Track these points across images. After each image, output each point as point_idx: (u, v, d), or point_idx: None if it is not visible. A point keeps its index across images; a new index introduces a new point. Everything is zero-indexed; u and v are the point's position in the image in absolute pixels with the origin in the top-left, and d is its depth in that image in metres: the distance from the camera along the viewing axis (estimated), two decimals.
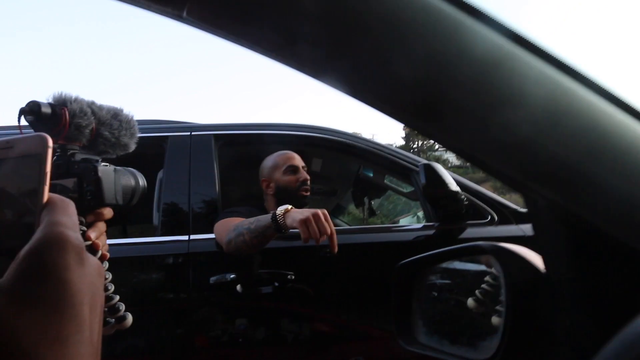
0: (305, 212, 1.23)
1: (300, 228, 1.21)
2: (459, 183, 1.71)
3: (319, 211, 1.23)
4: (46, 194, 0.31)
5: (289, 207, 1.30)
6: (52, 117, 0.61)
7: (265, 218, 1.32)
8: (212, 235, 1.56)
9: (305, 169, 1.78)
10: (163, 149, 1.78)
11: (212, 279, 1.50)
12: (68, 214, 0.30)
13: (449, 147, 0.38)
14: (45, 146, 0.32)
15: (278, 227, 1.28)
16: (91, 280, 0.28)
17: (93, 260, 0.30)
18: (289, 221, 1.26)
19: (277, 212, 1.29)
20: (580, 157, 0.34)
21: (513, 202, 1.87)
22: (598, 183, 0.34)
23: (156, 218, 1.72)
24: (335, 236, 1.24)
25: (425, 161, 1.66)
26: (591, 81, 0.37)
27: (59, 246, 0.27)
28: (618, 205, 0.34)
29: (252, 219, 1.38)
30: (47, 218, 0.29)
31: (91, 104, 0.66)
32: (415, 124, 0.37)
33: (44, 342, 0.24)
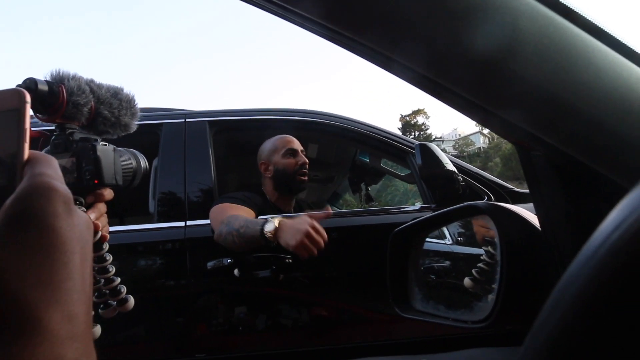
0: (297, 235, 1.20)
1: (298, 252, 1.21)
2: (455, 165, 1.71)
3: (308, 227, 1.21)
4: (26, 151, 0.30)
5: (276, 222, 1.27)
6: (49, 95, 0.59)
7: (254, 228, 1.30)
8: (208, 221, 1.56)
9: (304, 152, 1.78)
10: (158, 136, 1.77)
11: (210, 264, 1.50)
12: (52, 167, 0.29)
13: (462, 105, 0.38)
14: (23, 101, 0.30)
15: (267, 242, 1.27)
16: (81, 231, 0.27)
17: (82, 213, 0.29)
18: (282, 242, 1.24)
19: (265, 229, 1.27)
20: (577, 97, 0.33)
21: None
22: (596, 124, 0.34)
23: (152, 205, 1.71)
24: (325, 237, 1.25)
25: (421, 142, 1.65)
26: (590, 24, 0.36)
27: (46, 194, 0.26)
28: (615, 145, 0.34)
29: (242, 221, 1.36)
30: (31, 171, 0.28)
31: (90, 82, 0.64)
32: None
33: (36, 286, 0.23)
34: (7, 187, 0.28)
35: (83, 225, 0.28)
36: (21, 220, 0.25)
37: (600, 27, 0.36)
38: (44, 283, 0.24)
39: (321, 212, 1.30)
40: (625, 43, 0.37)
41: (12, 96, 0.31)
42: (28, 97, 0.31)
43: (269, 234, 1.26)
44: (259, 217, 1.54)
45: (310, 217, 1.28)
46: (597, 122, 0.34)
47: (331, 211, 1.30)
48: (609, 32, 0.37)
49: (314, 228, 1.22)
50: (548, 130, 0.36)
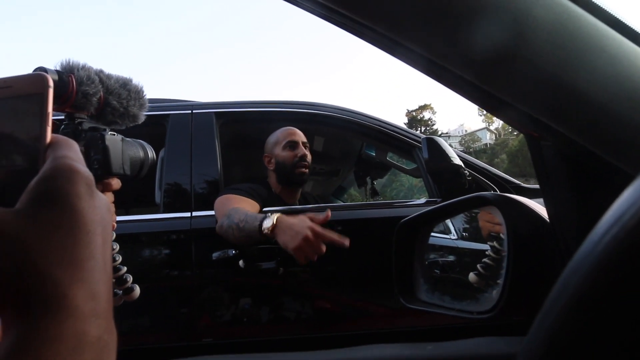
0: (296, 238, 1.15)
1: (297, 256, 1.17)
2: (461, 159, 1.70)
3: (308, 231, 1.15)
4: (49, 135, 0.30)
5: (275, 218, 1.24)
6: (59, 85, 0.60)
7: (252, 223, 1.28)
8: (214, 212, 1.56)
9: (307, 145, 1.77)
10: (164, 127, 1.78)
11: (215, 255, 1.50)
12: (74, 150, 0.29)
13: (473, 93, 0.38)
14: (46, 86, 0.31)
15: (265, 239, 1.26)
16: (102, 213, 0.28)
17: (102, 195, 0.29)
18: (280, 242, 1.20)
19: (263, 225, 1.24)
20: (590, 85, 0.33)
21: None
22: (608, 112, 0.33)
23: (158, 196, 1.72)
24: (336, 239, 1.17)
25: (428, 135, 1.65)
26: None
27: (68, 176, 0.27)
28: (628, 134, 0.34)
29: (242, 215, 1.35)
30: (53, 154, 0.28)
31: (99, 72, 0.65)
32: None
33: (60, 264, 0.24)
34: (30, 170, 0.29)
35: (104, 208, 0.29)
36: (44, 200, 0.25)
37: (613, 15, 0.36)
38: (68, 261, 0.24)
39: (321, 215, 1.22)
40: (638, 31, 0.37)
41: (36, 81, 0.31)
42: (51, 82, 0.31)
43: (266, 231, 1.23)
44: (261, 211, 1.54)
45: (310, 218, 1.21)
46: (610, 111, 0.34)
47: (330, 214, 1.22)
48: (623, 20, 0.36)
49: (314, 232, 1.15)
50: (560, 119, 0.35)
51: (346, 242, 1.15)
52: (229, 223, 1.37)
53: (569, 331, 0.24)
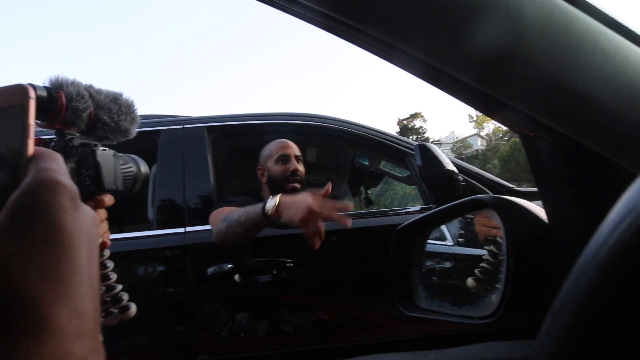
0: (301, 209, 1.15)
1: (304, 229, 1.17)
2: (454, 164, 1.71)
3: (311, 201, 1.14)
4: (31, 147, 0.29)
5: (277, 199, 1.25)
6: (49, 101, 0.59)
7: (254, 211, 1.29)
8: (208, 227, 1.55)
9: (300, 158, 1.76)
10: (156, 143, 1.77)
11: (210, 270, 1.49)
12: (57, 162, 0.28)
13: (468, 95, 0.38)
14: (27, 97, 0.30)
15: (269, 220, 1.25)
16: (87, 227, 0.27)
17: (88, 208, 0.28)
18: (286, 217, 1.20)
19: (266, 207, 1.25)
20: (584, 82, 0.33)
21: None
22: (603, 108, 0.33)
23: (151, 213, 1.70)
24: (337, 215, 1.16)
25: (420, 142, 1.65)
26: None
27: (51, 188, 0.26)
28: (624, 130, 0.33)
29: (241, 211, 1.35)
30: (36, 166, 0.27)
31: (89, 88, 0.64)
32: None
33: (43, 282, 0.23)
34: (11, 184, 0.28)
35: (90, 221, 0.28)
36: (26, 214, 0.24)
37: (603, 12, 0.36)
38: (51, 278, 0.23)
39: (321, 190, 1.21)
40: (630, 27, 0.37)
41: (16, 92, 0.30)
42: (32, 93, 0.30)
43: (270, 211, 1.23)
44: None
45: (311, 193, 1.21)
46: (606, 107, 0.33)
47: (330, 187, 1.22)
48: (613, 17, 0.36)
49: (318, 203, 1.15)
50: (557, 117, 0.35)
51: (349, 222, 1.15)
52: (228, 224, 1.35)
53: (580, 334, 0.23)
